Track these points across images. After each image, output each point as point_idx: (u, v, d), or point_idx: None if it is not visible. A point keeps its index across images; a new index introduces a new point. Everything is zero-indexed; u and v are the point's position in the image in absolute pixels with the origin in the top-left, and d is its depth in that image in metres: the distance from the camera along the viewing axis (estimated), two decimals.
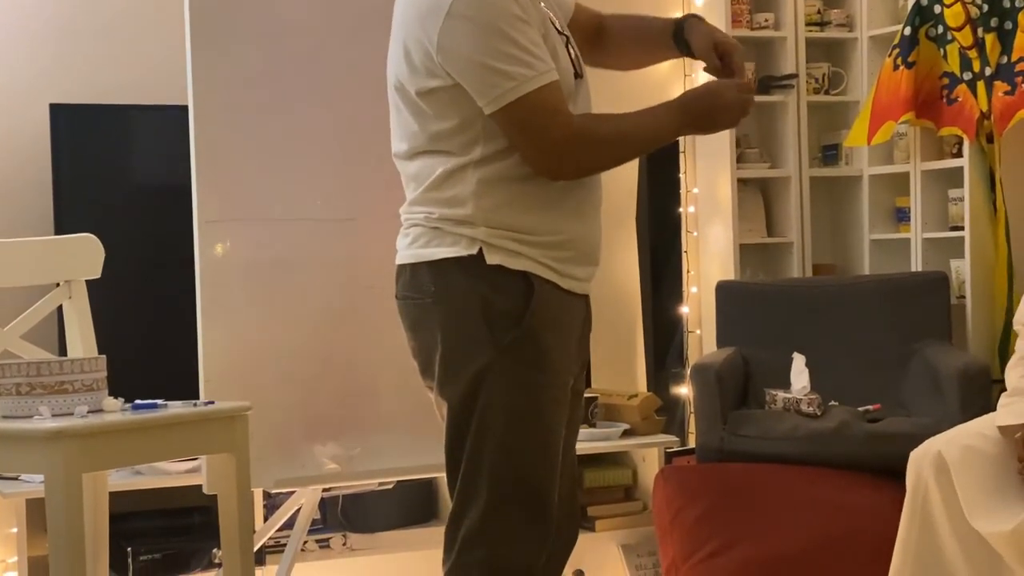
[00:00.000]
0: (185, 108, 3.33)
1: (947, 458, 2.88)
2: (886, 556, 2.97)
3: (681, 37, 2.54)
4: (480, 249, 2.33)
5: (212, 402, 2.91)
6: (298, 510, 3.45)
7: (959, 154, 4.17)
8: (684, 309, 4.47)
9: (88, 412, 2.66)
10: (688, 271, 4.50)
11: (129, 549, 3.50)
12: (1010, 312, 3.96)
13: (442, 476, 3.44)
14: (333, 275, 3.45)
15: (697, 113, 2.41)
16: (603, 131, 2.38)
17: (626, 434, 3.99)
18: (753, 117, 4.60)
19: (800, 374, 3.81)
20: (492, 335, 2.32)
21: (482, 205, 2.34)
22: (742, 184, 4.46)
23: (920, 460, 2.94)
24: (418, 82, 2.34)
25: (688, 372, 4.21)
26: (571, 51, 2.46)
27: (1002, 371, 3.24)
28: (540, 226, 2.37)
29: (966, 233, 4.10)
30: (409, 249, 2.42)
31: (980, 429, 2.96)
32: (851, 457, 3.60)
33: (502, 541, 2.35)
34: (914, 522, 2.92)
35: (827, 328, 4.05)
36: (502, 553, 2.35)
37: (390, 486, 3.69)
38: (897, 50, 4.20)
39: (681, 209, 4.48)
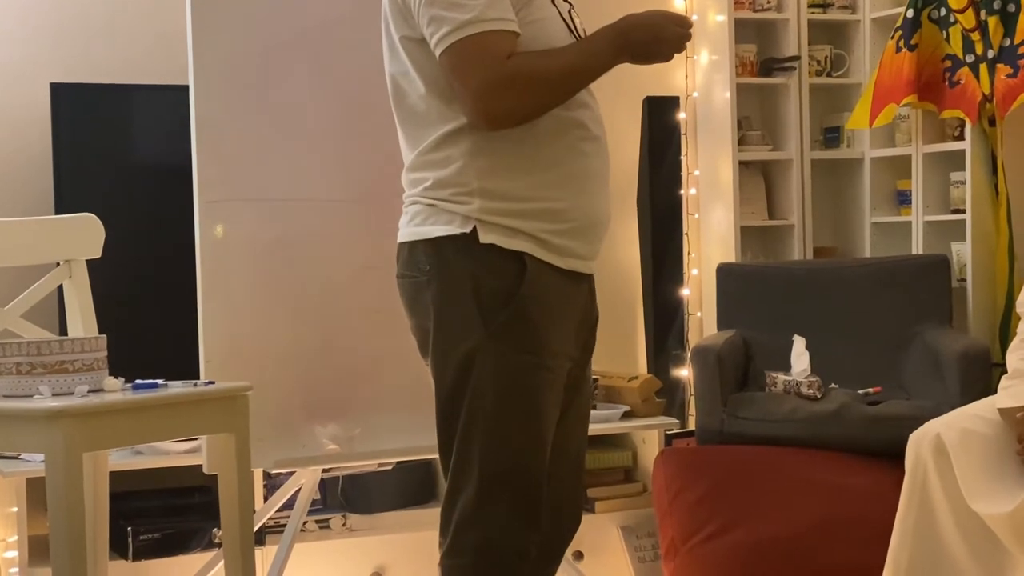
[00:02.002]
0: (186, 88, 3.33)
1: (946, 440, 2.88)
2: (885, 538, 2.97)
3: None
4: (474, 228, 2.32)
5: (212, 382, 2.91)
6: (298, 491, 3.46)
7: (961, 137, 4.16)
8: (685, 291, 4.47)
9: (88, 392, 2.66)
10: (689, 253, 4.49)
11: (129, 529, 3.51)
12: (1011, 295, 3.96)
13: None
14: (334, 255, 3.45)
15: (637, 43, 2.33)
16: (535, 69, 2.29)
17: (626, 416, 3.99)
18: (755, 99, 4.61)
19: (800, 356, 3.81)
20: (483, 316, 2.32)
21: (477, 165, 2.32)
22: (743, 166, 4.46)
23: (919, 442, 2.94)
24: (401, 31, 2.34)
25: (688, 354, 4.21)
26: (573, 19, 2.45)
27: (1003, 354, 3.25)
28: (538, 191, 2.34)
29: (967, 216, 4.10)
30: (407, 227, 2.42)
31: (979, 412, 2.97)
32: (851, 440, 3.60)
33: (495, 524, 2.35)
34: (912, 504, 2.92)
35: (827, 311, 4.05)
36: (495, 536, 2.36)
37: (390, 467, 3.70)
38: (899, 32, 4.19)
39: (682, 191, 4.47)
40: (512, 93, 2.27)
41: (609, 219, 2.47)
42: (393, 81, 2.42)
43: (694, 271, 4.51)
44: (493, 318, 2.31)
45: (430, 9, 2.26)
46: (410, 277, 2.40)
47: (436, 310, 2.35)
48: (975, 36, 4.02)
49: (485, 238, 2.32)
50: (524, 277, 2.32)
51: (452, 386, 2.35)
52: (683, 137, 4.49)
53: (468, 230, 2.32)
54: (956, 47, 4.10)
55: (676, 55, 2.39)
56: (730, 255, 4.35)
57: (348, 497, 3.82)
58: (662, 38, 2.34)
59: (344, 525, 3.79)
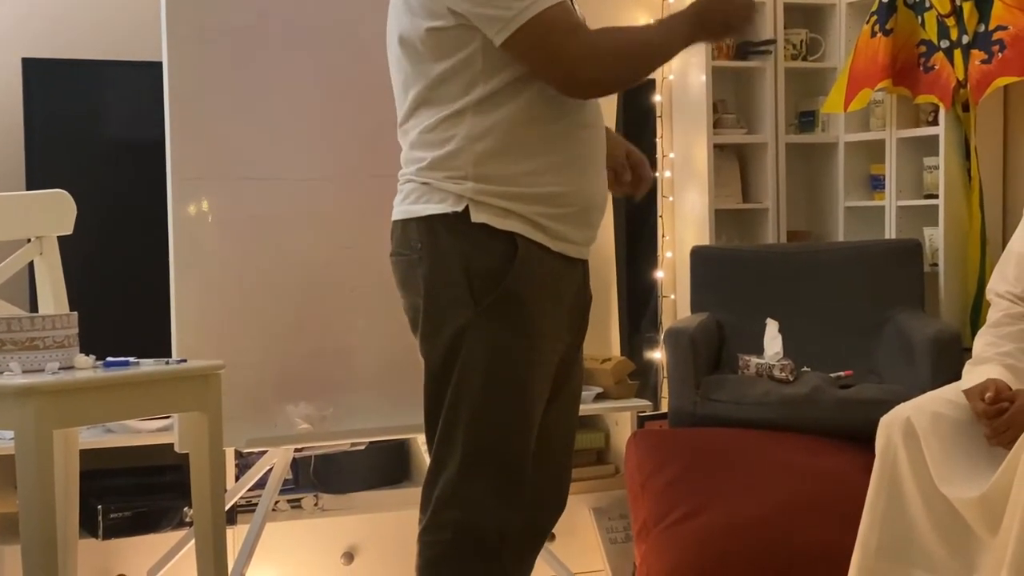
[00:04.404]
0: (160, 64, 3.31)
1: (916, 424, 2.90)
2: (855, 520, 2.99)
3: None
4: (466, 207, 2.33)
5: (185, 360, 2.90)
6: (270, 470, 3.45)
7: (935, 122, 4.18)
8: (659, 274, 4.48)
9: (59, 369, 2.65)
10: (663, 236, 4.50)
11: (99, 507, 3.49)
12: (982, 280, 3.98)
13: (414, 437, 3.44)
14: (309, 235, 3.44)
15: (711, 22, 2.42)
16: (620, 43, 2.39)
17: (599, 398, 4.00)
18: (731, 82, 4.61)
19: (773, 340, 3.82)
20: (472, 295, 2.32)
21: (475, 149, 2.33)
22: (718, 150, 4.46)
23: (889, 426, 2.96)
24: (418, 25, 2.33)
25: (662, 337, 4.22)
26: (573, 1, 2.46)
27: (973, 339, 3.26)
28: (535, 176, 2.35)
29: (940, 201, 4.11)
30: (401, 205, 2.42)
31: (949, 396, 2.98)
32: (822, 423, 3.62)
33: (475, 504, 2.36)
34: (882, 487, 2.94)
35: (801, 294, 4.06)
36: (475, 516, 2.36)
37: (362, 447, 3.70)
38: (875, 17, 4.20)
39: (657, 174, 4.48)
40: (598, 63, 2.34)
41: (605, 204, 2.49)
42: (409, 44, 2.38)
43: (668, 254, 4.52)
44: (483, 297, 2.32)
45: None
46: (403, 255, 2.41)
47: (427, 288, 2.36)
48: (950, 22, 4.03)
49: (477, 217, 2.33)
50: (515, 257, 2.33)
51: (441, 364, 2.36)
52: (658, 120, 4.49)
53: (460, 209, 2.33)
54: (931, 32, 4.11)
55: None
56: (704, 238, 4.36)
57: (320, 477, 3.82)
58: (731, 11, 2.41)
59: (316, 505, 3.78)
